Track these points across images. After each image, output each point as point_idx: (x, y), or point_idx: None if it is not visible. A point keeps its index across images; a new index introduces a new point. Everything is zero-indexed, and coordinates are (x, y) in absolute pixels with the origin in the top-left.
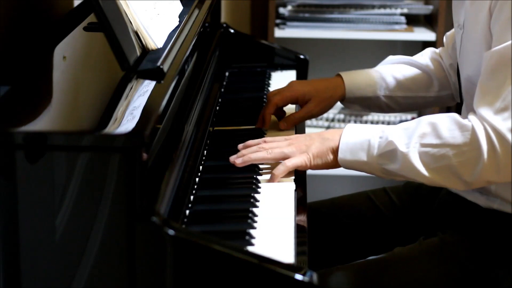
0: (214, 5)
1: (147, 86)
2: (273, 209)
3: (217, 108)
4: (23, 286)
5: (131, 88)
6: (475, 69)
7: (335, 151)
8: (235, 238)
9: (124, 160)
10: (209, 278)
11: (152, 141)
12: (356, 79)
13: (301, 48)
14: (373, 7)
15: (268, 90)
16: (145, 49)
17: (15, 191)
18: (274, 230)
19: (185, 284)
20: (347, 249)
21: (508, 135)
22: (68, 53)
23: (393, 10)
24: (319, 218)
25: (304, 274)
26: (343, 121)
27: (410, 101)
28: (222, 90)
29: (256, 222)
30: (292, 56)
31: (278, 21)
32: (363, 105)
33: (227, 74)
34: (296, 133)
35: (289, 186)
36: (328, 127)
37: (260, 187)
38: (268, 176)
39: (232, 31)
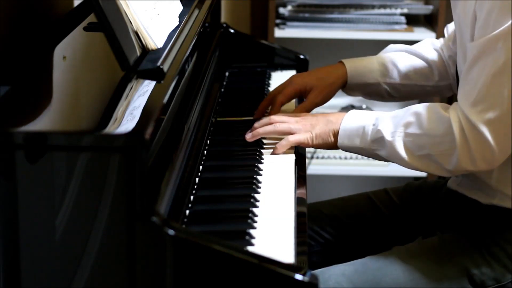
0: (214, 5)
1: (147, 86)
2: (273, 209)
3: (219, 102)
4: (23, 286)
5: (131, 88)
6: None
7: (336, 135)
8: (235, 238)
9: (124, 160)
10: (209, 278)
11: (152, 141)
12: (358, 66)
13: (301, 48)
14: (373, 7)
15: (268, 90)
16: (145, 49)
17: (15, 191)
18: (274, 230)
19: (185, 284)
20: (347, 249)
21: (481, 127)
22: (68, 53)
23: (393, 10)
24: (319, 218)
25: (304, 274)
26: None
27: (409, 89)
28: (222, 90)
29: (256, 222)
30: (292, 56)
31: (278, 21)
32: (364, 92)
33: (227, 74)
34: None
35: (289, 186)
36: None
37: (260, 187)
38: (268, 176)
39: (232, 31)
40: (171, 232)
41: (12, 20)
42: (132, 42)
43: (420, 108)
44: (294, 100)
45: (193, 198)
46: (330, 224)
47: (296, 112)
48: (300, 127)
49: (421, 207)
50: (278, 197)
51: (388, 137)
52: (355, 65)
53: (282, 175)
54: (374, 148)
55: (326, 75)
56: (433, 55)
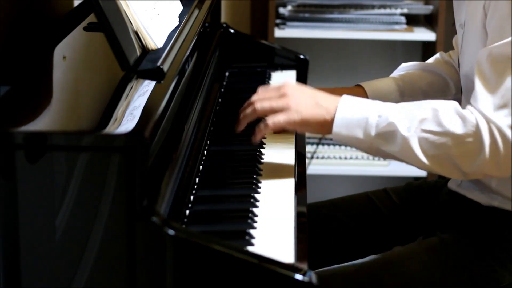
0: (214, 5)
1: (147, 86)
2: (273, 209)
3: (219, 102)
4: (23, 286)
5: (131, 88)
6: (471, 65)
7: (328, 123)
8: (235, 238)
9: (124, 160)
10: (209, 278)
11: (152, 141)
12: (377, 88)
13: (301, 48)
14: (373, 7)
15: None
16: (145, 49)
17: (15, 191)
18: (274, 230)
19: (185, 284)
20: (347, 249)
21: (509, 132)
22: (68, 53)
23: (393, 10)
24: (319, 218)
25: (304, 274)
26: None
27: None
28: (222, 90)
29: (256, 222)
30: (292, 56)
31: (278, 21)
32: None
33: (227, 74)
34: (296, 138)
35: (289, 186)
36: None
37: (260, 187)
38: (268, 176)
39: (232, 31)
40: (171, 232)
41: (12, 20)
42: (132, 42)
43: (436, 104)
44: None
45: (193, 198)
46: (330, 224)
47: None
48: (283, 104)
49: (421, 207)
50: (278, 197)
51: (404, 132)
52: (374, 88)
53: (282, 175)
54: (378, 142)
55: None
56: (446, 69)
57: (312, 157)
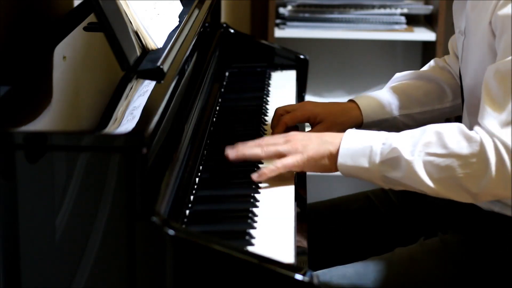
0: (214, 5)
1: (147, 86)
2: (273, 209)
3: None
4: (23, 286)
5: (131, 88)
6: (476, 78)
7: (333, 156)
8: (235, 238)
9: (124, 160)
10: (209, 278)
11: (152, 141)
12: (371, 103)
13: (301, 48)
14: (373, 7)
15: (268, 90)
16: (145, 49)
17: (15, 191)
18: (274, 230)
19: (185, 284)
20: (347, 249)
21: None
22: (68, 53)
23: (393, 10)
24: (319, 218)
25: (304, 274)
26: None
27: (427, 116)
28: (222, 90)
29: (256, 222)
30: (292, 56)
31: (278, 21)
32: (381, 128)
33: (227, 74)
34: None
35: (289, 186)
36: None
37: (260, 187)
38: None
39: (232, 31)
40: (171, 232)
41: (12, 20)
42: (132, 42)
43: (440, 127)
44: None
45: (193, 198)
46: (330, 224)
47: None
48: (289, 148)
49: (420, 207)
50: (278, 197)
51: (407, 156)
52: (368, 103)
53: (282, 175)
54: (384, 169)
55: (339, 112)
56: (442, 75)
57: None
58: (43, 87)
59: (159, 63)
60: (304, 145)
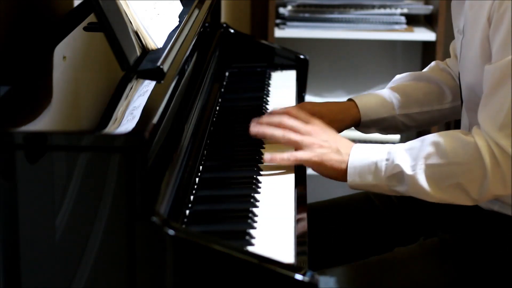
0: (214, 5)
1: (147, 86)
2: (273, 209)
3: (219, 102)
4: (23, 286)
5: (131, 88)
6: (474, 77)
7: (343, 171)
8: (235, 238)
9: (124, 160)
10: (209, 278)
11: (152, 141)
12: (369, 101)
13: (301, 48)
14: (373, 7)
15: (268, 90)
16: (145, 49)
17: (15, 191)
18: (274, 230)
19: (185, 284)
20: (347, 249)
21: (509, 150)
22: (68, 53)
23: (393, 10)
24: (319, 218)
25: (304, 274)
26: None
27: (426, 116)
28: (222, 90)
29: (256, 222)
30: (292, 56)
31: (278, 21)
32: (380, 127)
33: (227, 74)
34: None
35: (289, 186)
36: None
37: (260, 187)
38: (268, 177)
39: (232, 31)
40: (171, 232)
41: (12, 20)
42: (132, 42)
43: (438, 137)
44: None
45: (193, 198)
46: (330, 224)
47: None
48: (308, 143)
49: (420, 207)
50: (278, 197)
51: (408, 171)
52: (366, 101)
53: (282, 175)
54: (390, 184)
55: (337, 110)
56: (442, 76)
57: None
58: (43, 87)
59: (159, 63)
60: (323, 147)
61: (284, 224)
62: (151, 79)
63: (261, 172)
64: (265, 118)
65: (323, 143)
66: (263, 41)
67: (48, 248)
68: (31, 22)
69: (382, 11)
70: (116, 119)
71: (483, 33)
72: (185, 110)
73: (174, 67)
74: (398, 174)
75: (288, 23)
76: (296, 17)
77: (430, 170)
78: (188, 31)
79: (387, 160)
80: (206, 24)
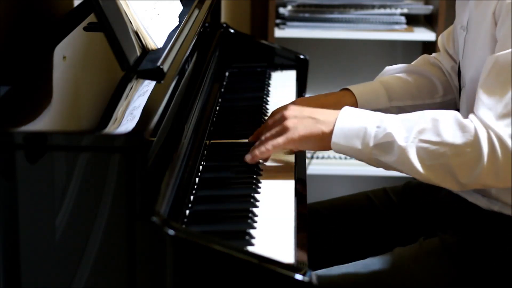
0: (214, 5)
1: (147, 86)
2: (273, 209)
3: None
4: (23, 286)
5: (131, 88)
6: (479, 71)
7: (326, 135)
8: (235, 238)
9: (124, 160)
10: (209, 278)
11: (152, 141)
12: (365, 92)
13: (301, 48)
14: (373, 7)
15: (268, 90)
16: (145, 49)
17: (15, 191)
18: (274, 230)
19: (185, 284)
20: (347, 249)
21: (509, 142)
22: (68, 53)
23: (393, 10)
24: (319, 218)
25: (304, 274)
26: None
27: (418, 110)
28: (222, 90)
29: (256, 222)
30: (292, 56)
31: (278, 21)
32: None
33: (227, 74)
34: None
35: (289, 186)
36: None
37: (260, 187)
38: (268, 176)
39: (232, 31)
40: (171, 232)
41: (12, 20)
42: (132, 42)
43: (437, 114)
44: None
45: (193, 198)
46: (330, 224)
47: None
48: (281, 128)
49: (420, 207)
50: (278, 197)
51: (400, 142)
52: (362, 91)
53: (282, 175)
54: (376, 153)
55: (332, 104)
56: (432, 70)
57: (312, 157)
58: (43, 87)
59: (159, 63)
60: (296, 123)
61: (284, 224)
62: (151, 79)
63: (261, 172)
64: (252, 149)
65: (296, 121)
66: (263, 41)
67: (48, 248)
68: (31, 22)
69: (382, 11)
70: (116, 119)
71: (488, 28)
72: (185, 110)
73: (174, 67)
74: (387, 144)
75: (288, 23)
76: (296, 17)
77: (423, 145)
78: (188, 31)
79: (378, 127)
80: (206, 24)
